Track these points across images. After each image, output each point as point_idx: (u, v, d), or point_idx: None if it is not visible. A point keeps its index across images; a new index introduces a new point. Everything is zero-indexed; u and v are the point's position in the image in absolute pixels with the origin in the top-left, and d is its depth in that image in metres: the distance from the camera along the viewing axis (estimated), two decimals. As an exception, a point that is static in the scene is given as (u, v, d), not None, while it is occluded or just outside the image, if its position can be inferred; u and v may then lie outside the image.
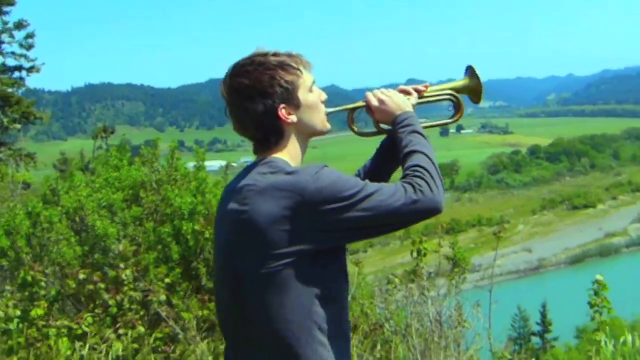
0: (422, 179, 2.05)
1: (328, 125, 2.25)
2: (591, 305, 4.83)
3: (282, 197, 1.96)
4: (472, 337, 5.01)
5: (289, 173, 2.01)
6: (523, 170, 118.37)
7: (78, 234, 5.25)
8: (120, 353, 4.52)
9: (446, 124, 2.66)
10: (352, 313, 5.06)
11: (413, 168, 2.11)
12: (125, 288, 4.79)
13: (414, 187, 2.02)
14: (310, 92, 2.17)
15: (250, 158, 2.25)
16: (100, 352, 4.49)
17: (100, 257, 5.08)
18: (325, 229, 1.97)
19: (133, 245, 5.09)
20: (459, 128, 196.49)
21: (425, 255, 5.18)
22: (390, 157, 2.50)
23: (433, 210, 2.02)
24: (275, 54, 2.10)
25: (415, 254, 5.22)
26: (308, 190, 1.95)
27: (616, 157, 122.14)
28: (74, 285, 4.82)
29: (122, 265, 4.85)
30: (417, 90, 2.50)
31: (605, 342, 4.79)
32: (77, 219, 5.28)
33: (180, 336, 4.72)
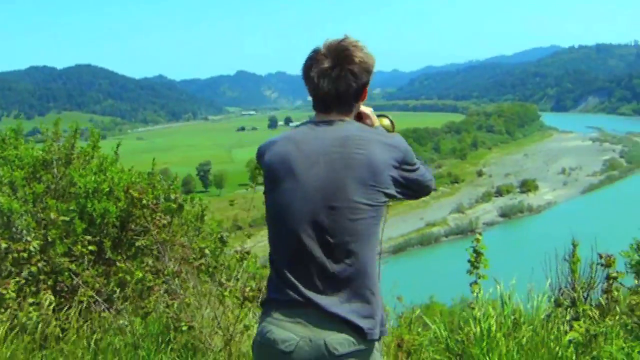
0: (427, 168, 2.66)
1: None
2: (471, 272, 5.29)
3: (393, 150, 2.45)
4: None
5: (390, 134, 2.60)
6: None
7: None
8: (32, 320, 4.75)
9: None
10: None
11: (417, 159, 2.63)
12: (34, 259, 4.99)
13: (428, 171, 2.65)
14: None
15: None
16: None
17: (7, 232, 5.24)
18: (402, 182, 2.49)
19: (33, 223, 5.28)
20: (288, 121, 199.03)
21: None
22: None
23: (429, 193, 2.71)
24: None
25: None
26: (407, 150, 2.50)
27: (437, 150, 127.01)
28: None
29: (29, 238, 5.05)
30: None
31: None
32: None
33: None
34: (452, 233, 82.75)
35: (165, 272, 4.60)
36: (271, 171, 2.49)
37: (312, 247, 2.36)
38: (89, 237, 4.98)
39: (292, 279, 2.35)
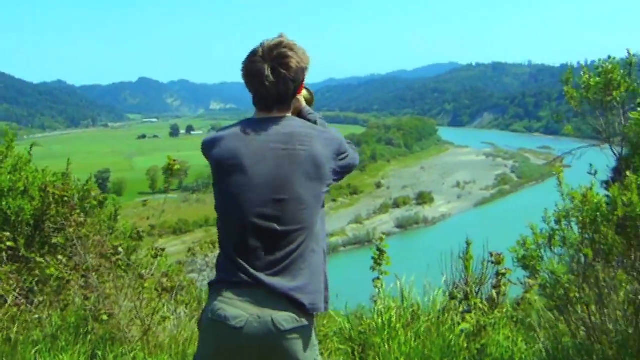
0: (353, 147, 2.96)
1: None
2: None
3: (331, 144, 2.75)
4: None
5: (325, 128, 2.89)
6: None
7: None
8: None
9: None
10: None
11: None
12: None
13: (354, 150, 2.94)
14: None
15: None
16: None
17: None
18: (339, 171, 2.79)
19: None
20: (190, 129, 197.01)
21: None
22: None
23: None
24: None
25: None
26: (342, 141, 2.81)
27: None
28: None
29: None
30: None
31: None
32: None
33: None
34: (350, 243, 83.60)
35: (84, 267, 4.77)
36: (220, 165, 2.73)
37: (259, 234, 2.61)
38: (7, 234, 5.07)
39: (241, 262, 2.59)
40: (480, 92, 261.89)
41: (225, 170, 2.73)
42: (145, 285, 4.55)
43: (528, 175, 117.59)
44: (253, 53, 2.73)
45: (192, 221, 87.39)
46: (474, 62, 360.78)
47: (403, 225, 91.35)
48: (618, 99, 4.56)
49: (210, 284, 2.72)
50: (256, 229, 2.62)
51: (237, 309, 2.54)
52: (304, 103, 3.07)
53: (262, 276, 2.57)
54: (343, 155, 2.82)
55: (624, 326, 3.83)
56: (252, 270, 2.57)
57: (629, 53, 4.71)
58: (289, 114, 2.82)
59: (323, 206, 2.75)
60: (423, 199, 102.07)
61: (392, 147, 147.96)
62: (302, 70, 2.77)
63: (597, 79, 4.69)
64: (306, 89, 3.14)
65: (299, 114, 3.02)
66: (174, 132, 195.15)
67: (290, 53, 2.71)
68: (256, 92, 2.76)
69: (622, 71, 4.62)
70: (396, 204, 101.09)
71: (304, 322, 2.58)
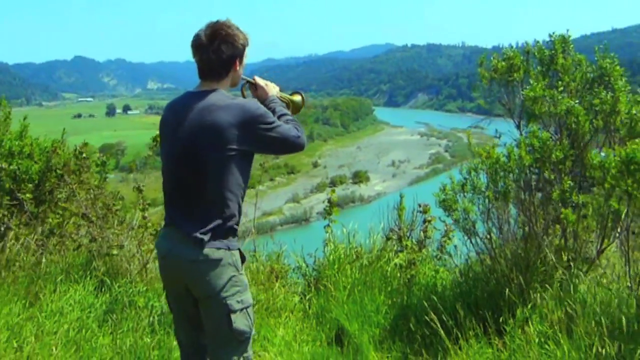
0: (297, 123, 3.32)
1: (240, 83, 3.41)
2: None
3: (238, 112, 3.07)
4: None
5: (241, 100, 3.19)
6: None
7: None
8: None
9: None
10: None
11: (290, 120, 3.33)
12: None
13: (297, 129, 3.26)
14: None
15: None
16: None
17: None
18: (254, 139, 3.12)
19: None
20: (126, 109, 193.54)
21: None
22: None
23: (302, 148, 3.28)
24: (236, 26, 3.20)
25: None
26: (255, 112, 3.11)
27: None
28: None
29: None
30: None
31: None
32: None
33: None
34: (287, 222, 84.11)
35: (93, 216, 5.81)
36: (159, 133, 3.36)
37: (180, 190, 3.20)
38: (30, 185, 6.04)
39: (170, 209, 3.26)
40: (415, 72, 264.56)
41: (160, 137, 3.34)
42: (149, 224, 5.62)
43: (461, 154, 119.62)
44: (200, 29, 3.17)
45: (129, 202, 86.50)
46: (410, 44, 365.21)
47: (339, 204, 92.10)
48: (517, 79, 5.67)
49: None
50: (176, 186, 3.22)
51: (165, 243, 3.26)
52: (270, 92, 3.54)
53: (179, 220, 3.19)
54: (264, 126, 3.13)
55: (516, 250, 5.11)
56: (174, 215, 3.24)
57: (526, 43, 5.91)
58: (222, 87, 3.24)
59: (239, 166, 3.15)
60: (359, 178, 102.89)
61: (329, 127, 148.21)
62: (232, 44, 3.17)
63: (503, 63, 5.83)
64: (300, 94, 3.74)
65: (263, 102, 3.43)
66: (111, 111, 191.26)
67: (224, 27, 3.16)
68: (196, 62, 3.22)
69: (521, 57, 5.76)
70: (333, 183, 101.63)
71: (207, 256, 3.12)
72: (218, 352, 3.25)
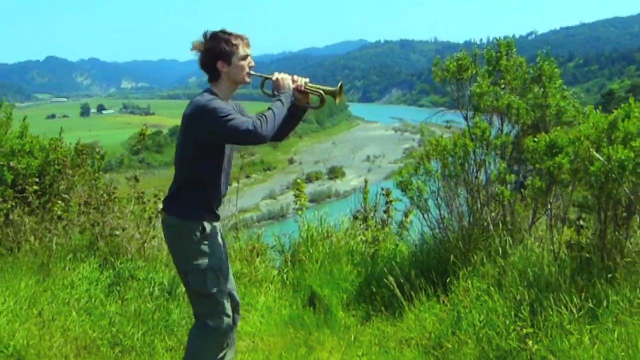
0: (264, 119, 3.49)
1: (248, 80, 3.74)
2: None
3: (196, 108, 3.55)
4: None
5: (203, 97, 3.59)
6: (164, 150, 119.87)
7: None
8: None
9: (314, 107, 4.09)
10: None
11: (266, 112, 3.56)
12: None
13: (255, 122, 3.46)
14: (241, 59, 3.66)
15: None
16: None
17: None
18: (205, 130, 3.54)
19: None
20: (101, 108, 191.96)
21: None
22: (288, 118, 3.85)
23: (255, 141, 3.52)
24: (228, 33, 3.65)
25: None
26: (207, 108, 3.50)
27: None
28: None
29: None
30: (294, 81, 3.85)
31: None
32: None
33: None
34: (264, 218, 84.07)
35: (94, 204, 6.59)
36: None
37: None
38: (36, 179, 6.77)
39: None
40: (388, 68, 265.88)
41: None
42: (147, 208, 6.42)
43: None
44: None
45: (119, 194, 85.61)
46: (383, 40, 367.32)
47: (316, 200, 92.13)
48: (466, 77, 6.50)
49: None
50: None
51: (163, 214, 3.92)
52: (282, 86, 3.77)
53: (166, 196, 3.89)
54: (221, 120, 3.46)
55: (461, 222, 6.01)
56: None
57: (473, 46, 6.77)
58: (219, 86, 3.72)
59: (201, 151, 3.65)
60: (335, 173, 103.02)
61: (304, 123, 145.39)
62: (207, 50, 3.66)
63: (454, 63, 6.64)
64: (337, 86, 3.94)
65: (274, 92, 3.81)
66: (85, 111, 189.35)
67: (210, 36, 3.67)
68: None
69: (470, 59, 6.57)
70: (309, 179, 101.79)
71: (173, 222, 3.76)
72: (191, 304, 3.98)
